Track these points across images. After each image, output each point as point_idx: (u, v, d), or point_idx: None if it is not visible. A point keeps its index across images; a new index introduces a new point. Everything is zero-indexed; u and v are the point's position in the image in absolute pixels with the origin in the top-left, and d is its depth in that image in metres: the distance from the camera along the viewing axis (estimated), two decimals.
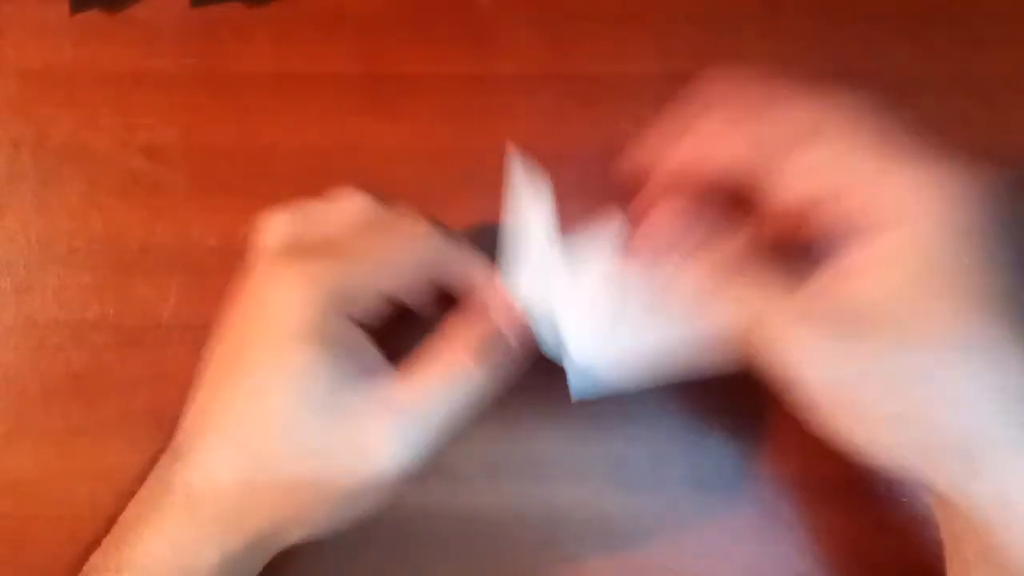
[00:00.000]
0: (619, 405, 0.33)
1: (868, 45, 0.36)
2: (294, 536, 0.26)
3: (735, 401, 0.33)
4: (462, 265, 0.28)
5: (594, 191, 0.34)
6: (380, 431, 0.24)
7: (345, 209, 0.28)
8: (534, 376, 0.32)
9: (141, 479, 0.26)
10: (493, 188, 0.34)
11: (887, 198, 0.23)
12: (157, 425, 0.26)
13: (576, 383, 0.26)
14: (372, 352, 0.26)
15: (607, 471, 0.32)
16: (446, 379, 0.25)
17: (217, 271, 0.34)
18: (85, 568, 0.25)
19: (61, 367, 0.33)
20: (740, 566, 0.31)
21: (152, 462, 0.26)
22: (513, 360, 0.27)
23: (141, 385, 0.33)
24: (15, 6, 0.35)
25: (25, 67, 0.35)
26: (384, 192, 0.29)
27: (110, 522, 0.26)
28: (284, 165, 0.34)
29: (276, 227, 0.28)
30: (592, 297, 0.26)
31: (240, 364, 0.25)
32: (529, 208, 0.27)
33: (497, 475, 0.32)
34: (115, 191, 0.34)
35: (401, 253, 0.26)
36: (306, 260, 0.25)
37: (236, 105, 0.35)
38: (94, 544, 0.26)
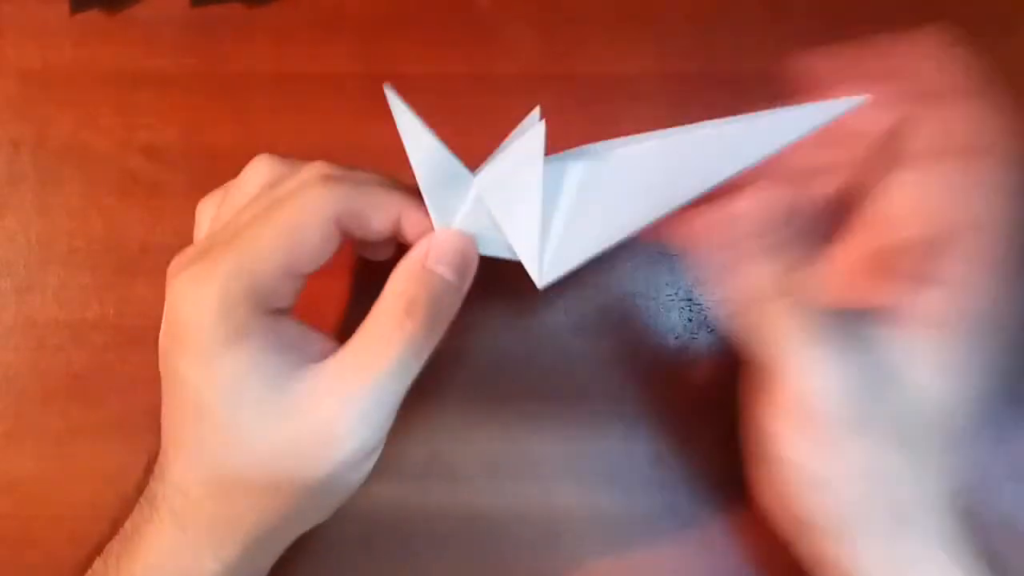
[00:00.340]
0: (619, 405, 0.33)
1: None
2: (292, 533, 0.26)
3: (735, 401, 0.33)
4: (379, 209, 0.25)
5: None
6: (334, 416, 0.23)
7: (250, 180, 0.26)
8: (534, 376, 0.33)
9: (141, 480, 0.26)
10: None
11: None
12: (157, 425, 0.26)
13: (536, 272, 0.25)
14: (308, 335, 0.25)
15: (607, 471, 0.32)
16: (390, 345, 0.23)
17: None
18: (87, 575, 0.26)
19: (61, 367, 0.33)
20: (740, 566, 0.31)
21: (151, 463, 0.26)
22: (458, 296, 0.25)
23: (141, 385, 0.33)
24: (15, 6, 0.35)
25: (25, 67, 0.35)
26: None
27: (110, 523, 0.26)
28: None
29: (202, 218, 0.27)
30: (525, 182, 0.25)
31: (177, 381, 0.24)
32: (418, 131, 0.25)
33: (497, 475, 0.32)
34: (115, 191, 0.34)
35: (300, 217, 0.23)
36: (203, 262, 0.24)
37: (236, 105, 0.35)
38: (94, 544, 0.26)
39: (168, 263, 0.33)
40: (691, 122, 0.35)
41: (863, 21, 0.36)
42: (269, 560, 0.27)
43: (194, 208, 0.34)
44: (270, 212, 0.24)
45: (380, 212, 0.25)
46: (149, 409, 0.32)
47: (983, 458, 0.33)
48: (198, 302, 0.23)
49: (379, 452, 0.26)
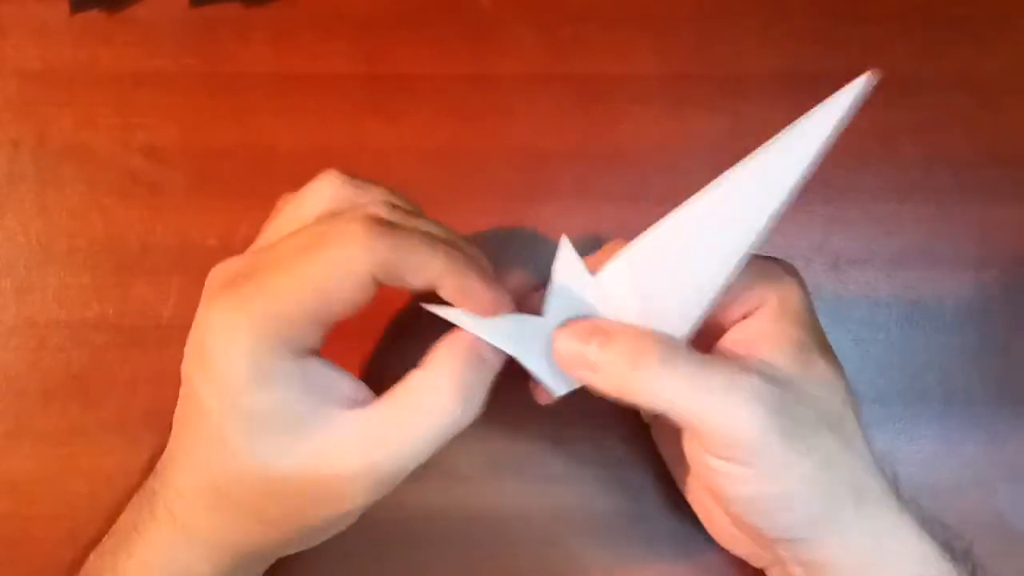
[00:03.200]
0: (617, 404, 0.33)
1: (868, 45, 0.36)
2: (279, 554, 0.27)
3: None
4: (419, 269, 0.23)
5: (594, 191, 0.34)
6: (347, 475, 0.23)
7: (308, 202, 0.26)
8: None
9: (141, 480, 0.26)
10: (493, 188, 0.35)
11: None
12: (157, 425, 0.26)
13: (551, 382, 0.26)
14: (335, 376, 0.24)
15: (607, 471, 0.32)
16: (429, 420, 0.23)
17: None
18: (83, 570, 0.26)
19: (61, 367, 0.33)
20: (740, 565, 0.31)
21: (151, 463, 0.26)
22: (492, 381, 0.25)
23: (141, 385, 0.33)
24: (15, 6, 0.35)
25: (25, 67, 0.35)
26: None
27: (110, 522, 0.26)
28: (284, 165, 0.34)
29: (274, 213, 0.27)
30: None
31: (196, 402, 0.24)
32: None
33: (497, 474, 0.32)
34: (115, 191, 0.34)
35: (333, 271, 0.23)
36: (238, 295, 0.23)
37: (236, 105, 0.35)
38: (93, 544, 0.26)
39: (168, 263, 0.34)
40: (690, 121, 0.35)
41: (862, 21, 0.36)
42: (260, 569, 0.27)
43: (194, 208, 0.34)
44: (308, 257, 0.23)
45: (419, 273, 0.23)
46: (149, 409, 0.33)
47: (976, 458, 0.33)
48: (228, 340, 0.23)
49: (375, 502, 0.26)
